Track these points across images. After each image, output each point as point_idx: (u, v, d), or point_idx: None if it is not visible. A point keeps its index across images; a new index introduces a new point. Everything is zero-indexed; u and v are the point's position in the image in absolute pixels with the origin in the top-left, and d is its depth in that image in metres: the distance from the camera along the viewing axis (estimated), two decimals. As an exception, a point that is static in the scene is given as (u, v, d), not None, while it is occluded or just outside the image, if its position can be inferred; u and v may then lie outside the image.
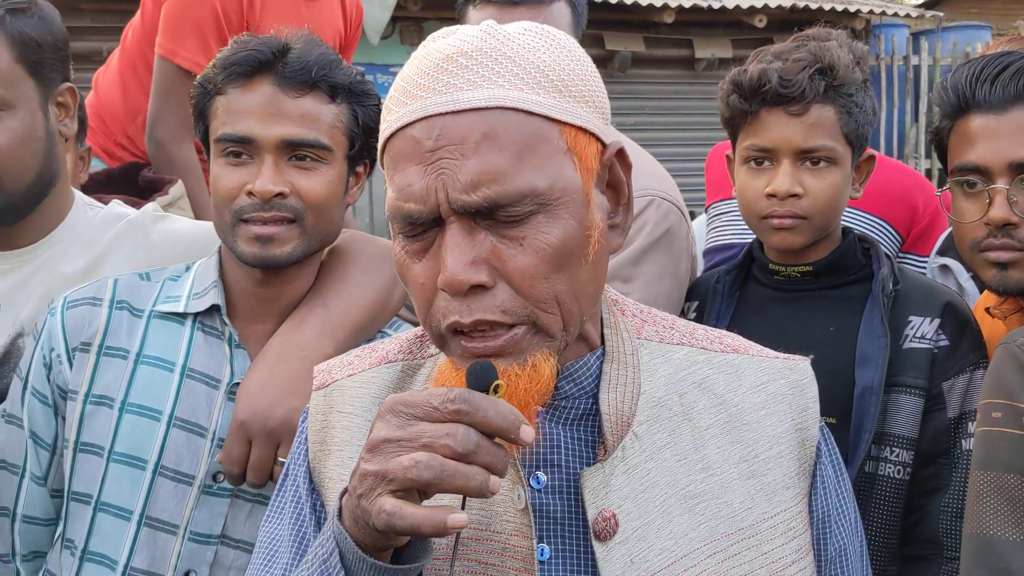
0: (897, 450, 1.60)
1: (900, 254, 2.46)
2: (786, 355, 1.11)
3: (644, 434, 1.00)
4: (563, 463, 0.99)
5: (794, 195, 1.63)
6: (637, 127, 8.01)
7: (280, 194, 1.44)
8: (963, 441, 1.59)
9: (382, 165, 0.96)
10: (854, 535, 1.10)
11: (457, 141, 0.87)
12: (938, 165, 8.44)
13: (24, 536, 1.55)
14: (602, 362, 1.03)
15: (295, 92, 1.45)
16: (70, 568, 1.48)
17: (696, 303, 1.88)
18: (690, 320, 1.85)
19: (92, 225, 1.71)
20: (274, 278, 1.53)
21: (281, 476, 1.14)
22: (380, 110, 1.55)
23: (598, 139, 0.96)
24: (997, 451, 1.17)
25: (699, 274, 2.10)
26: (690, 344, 1.08)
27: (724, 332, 1.12)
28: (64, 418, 1.52)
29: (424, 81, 0.90)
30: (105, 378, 1.50)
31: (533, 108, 0.89)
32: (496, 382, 0.86)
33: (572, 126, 0.92)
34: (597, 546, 0.95)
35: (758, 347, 1.11)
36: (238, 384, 1.48)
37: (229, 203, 1.46)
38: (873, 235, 2.29)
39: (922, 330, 1.64)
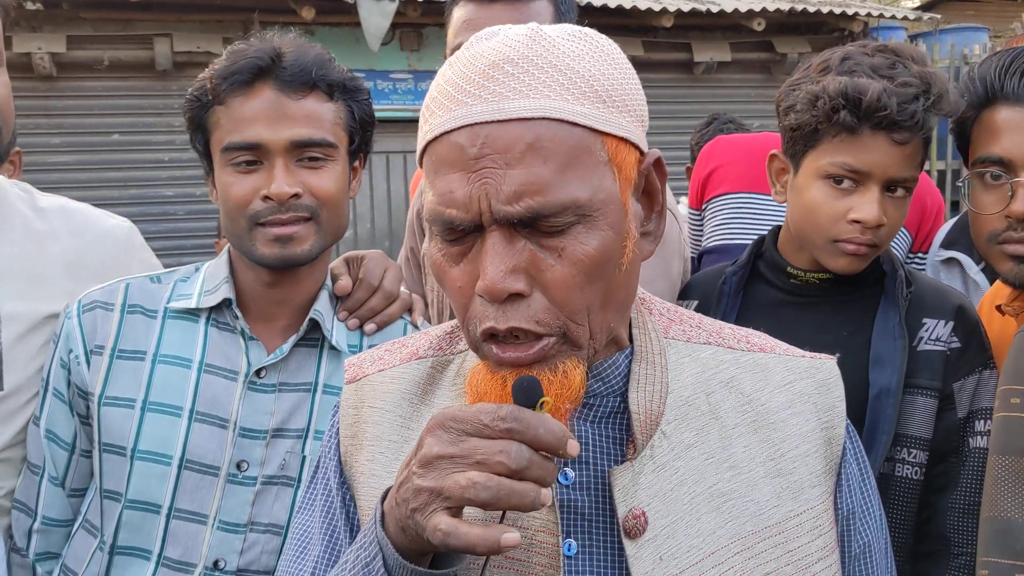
0: (914, 451, 1.60)
1: (909, 255, 2.46)
2: (812, 354, 1.11)
3: (672, 433, 1.00)
4: (591, 460, 1.00)
5: (879, 225, 1.57)
6: (636, 131, 7.97)
7: (295, 195, 1.47)
8: (971, 439, 1.59)
9: (420, 165, 0.96)
10: (879, 531, 1.11)
11: (502, 150, 0.87)
12: (938, 165, 8.45)
13: (42, 536, 1.58)
14: (630, 361, 1.03)
15: (297, 94, 1.48)
16: (99, 562, 1.51)
17: (696, 302, 1.84)
18: None
19: None
20: (285, 279, 1.55)
21: (312, 468, 1.16)
22: (371, 105, 1.59)
23: (637, 148, 0.96)
24: (1015, 436, 1.18)
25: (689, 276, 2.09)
26: (717, 343, 1.09)
27: (751, 331, 1.13)
28: (82, 418, 1.56)
29: (469, 87, 0.90)
30: (121, 380, 1.53)
31: (578, 119, 0.89)
32: (542, 399, 0.88)
33: (614, 137, 0.92)
34: (627, 543, 0.95)
35: (785, 345, 1.12)
36: (257, 373, 1.52)
37: (243, 209, 1.48)
38: (897, 239, 2.30)
39: (937, 332, 1.63)
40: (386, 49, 7.29)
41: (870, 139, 1.54)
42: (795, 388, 1.06)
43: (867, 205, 1.55)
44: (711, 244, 2.82)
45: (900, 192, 1.59)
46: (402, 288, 1.71)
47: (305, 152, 1.48)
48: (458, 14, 1.98)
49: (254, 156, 1.47)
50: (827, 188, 1.59)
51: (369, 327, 1.63)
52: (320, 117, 1.49)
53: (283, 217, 1.47)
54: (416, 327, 1.67)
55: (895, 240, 2.34)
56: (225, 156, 1.49)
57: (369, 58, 7.25)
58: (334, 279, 1.66)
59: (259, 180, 1.47)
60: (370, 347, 1.60)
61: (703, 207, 2.94)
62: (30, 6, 6.80)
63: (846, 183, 1.57)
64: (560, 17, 1.99)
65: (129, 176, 7.19)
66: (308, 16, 6.91)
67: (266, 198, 1.46)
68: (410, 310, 1.70)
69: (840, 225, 1.58)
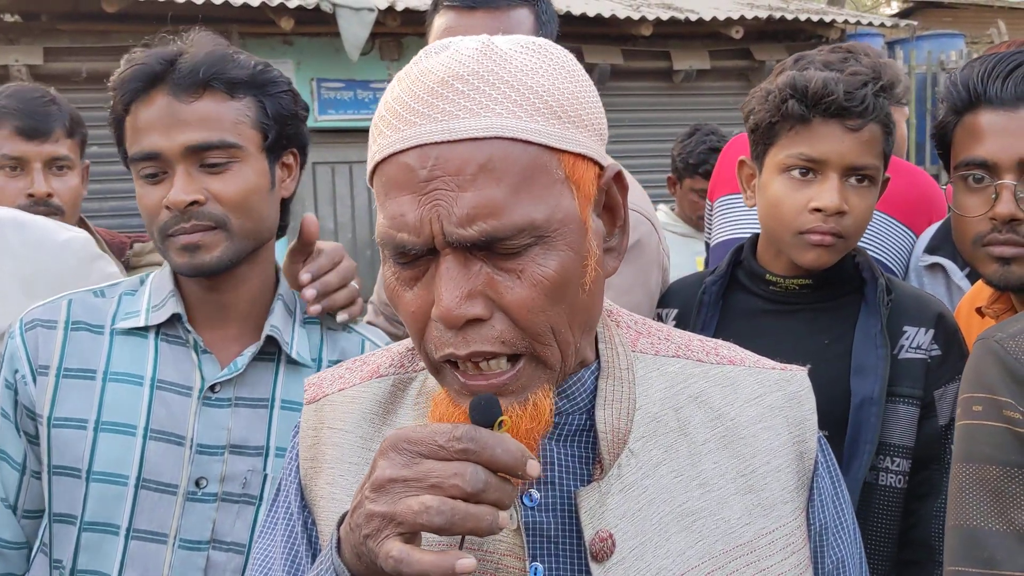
0: (897, 459, 1.59)
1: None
2: (783, 365, 1.08)
3: (640, 451, 0.98)
4: (557, 480, 0.97)
5: (840, 212, 1.58)
6: (616, 139, 7.99)
7: (196, 202, 1.43)
8: (952, 447, 1.59)
9: (370, 184, 0.93)
10: (852, 546, 1.08)
11: (453, 172, 0.84)
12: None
13: (0, 559, 1.54)
14: (597, 377, 1.00)
15: (189, 96, 1.44)
16: None
17: (676, 311, 1.84)
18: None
19: None
20: (223, 283, 1.52)
21: (273, 492, 1.13)
22: (291, 97, 1.54)
23: (596, 163, 0.93)
24: (978, 444, 1.17)
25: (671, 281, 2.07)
26: (686, 356, 1.06)
27: (720, 343, 1.10)
28: (30, 438, 1.51)
29: (418, 106, 0.86)
30: (70, 400, 1.49)
31: (532, 137, 0.86)
32: (500, 418, 0.85)
33: (571, 153, 0.89)
34: (594, 567, 0.93)
35: (755, 357, 1.09)
36: (212, 388, 1.49)
37: (153, 221, 1.46)
38: (898, 241, 2.29)
39: (918, 340, 1.63)
40: (366, 59, 7.27)
41: (822, 127, 1.57)
42: (765, 401, 1.04)
43: (826, 193, 1.58)
44: (726, 237, 2.79)
45: (864, 182, 1.60)
46: (353, 283, 1.68)
47: (205, 157, 1.44)
48: (439, 22, 1.98)
49: (156, 166, 1.45)
50: (788, 181, 1.62)
51: (315, 308, 1.59)
52: (217, 118, 1.44)
53: (186, 226, 1.44)
54: (348, 323, 1.64)
55: (905, 245, 2.32)
56: (133, 168, 1.48)
57: (349, 68, 7.23)
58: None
59: (164, 190, 1.45)
60: (330, 363, 1.58)
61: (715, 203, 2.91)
62: (7, 18, 6.75)
63: (807, 174, 1.60)
64: (541, 26, 1.99)
65: (108, 188, 7.13)
66: (287, 27, 6.89)
67: (168, 207, 1.44)
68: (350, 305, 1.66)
69: (803, 216, 1.60)
